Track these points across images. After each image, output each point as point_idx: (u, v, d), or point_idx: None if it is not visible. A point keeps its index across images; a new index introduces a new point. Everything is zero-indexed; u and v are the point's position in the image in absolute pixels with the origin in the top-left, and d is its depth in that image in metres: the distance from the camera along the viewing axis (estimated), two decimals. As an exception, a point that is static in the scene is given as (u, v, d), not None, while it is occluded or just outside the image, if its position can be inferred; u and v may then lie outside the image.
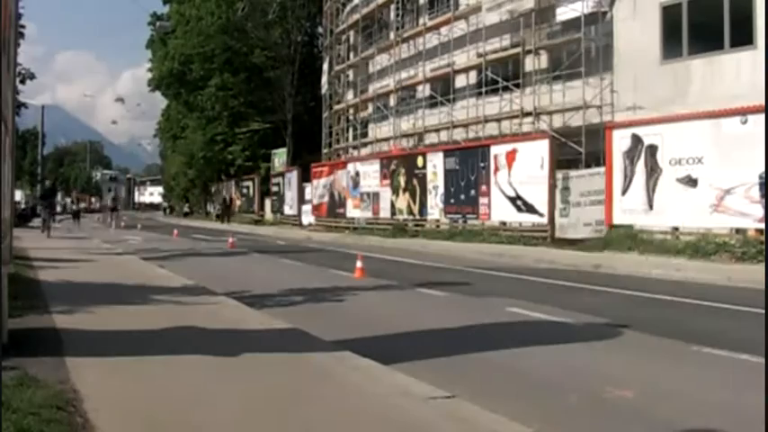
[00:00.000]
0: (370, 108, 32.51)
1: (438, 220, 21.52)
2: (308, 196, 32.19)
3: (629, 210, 14.78)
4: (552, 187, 16.72)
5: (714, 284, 10.02)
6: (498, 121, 22.75)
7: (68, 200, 59.94)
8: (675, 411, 4.09)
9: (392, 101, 29.58)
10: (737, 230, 13.11)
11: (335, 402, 3.85)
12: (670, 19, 16.77)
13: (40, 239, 18.63)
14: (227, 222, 36.98)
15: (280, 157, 41.04)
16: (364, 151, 31.82)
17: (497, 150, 18.76)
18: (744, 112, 12.54)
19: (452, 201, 20.66)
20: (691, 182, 13.50)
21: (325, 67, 36.96)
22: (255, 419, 3.53)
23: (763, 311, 6.38)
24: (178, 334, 5.70)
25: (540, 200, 17.04)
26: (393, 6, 29.28)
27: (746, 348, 5.36)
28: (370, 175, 25.70)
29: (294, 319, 6.52)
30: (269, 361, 4.78)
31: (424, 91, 27.42)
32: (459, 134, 24.56)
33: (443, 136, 25.48)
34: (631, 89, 17.86)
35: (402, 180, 23.35)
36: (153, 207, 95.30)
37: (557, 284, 10.32)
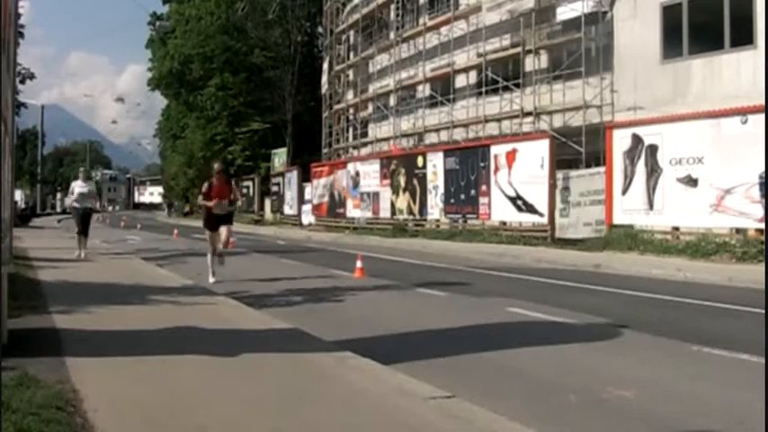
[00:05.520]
0: (370, 108, 32.52)
1: (438, 220, 21.51)
2: (307, 196, 32.16)
3: (629, 210, 14.78)
4: (552, 187, 16.71)
5: (714, 284, 10.02)
6: (498, 120, 22.76)
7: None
8: (675, 411, 4.09)
9: (392, 101, 29.58)
10: (737, 230, 13.11)
11: (335, 402, 3.84)
12: (670, 19, 16.76)
13: (39, 239, 18.62)
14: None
15: (280, 156, 41.03)
16: (364, 151, 31.82)
17: (497, 150, 18.75)
18: (744, 112, 12.54)
19: (452, 200, 20.66)
20: (691, 182, 13.50)
21: (326, 66, 36.98)
22: (255, 419, 3.52)
23: (763, 311, 6.37)
24: (178, 334, 5.70)
25: (540, 200, 17.03)
26: (393, 6, 29.29)
27: (746, 348, 5.36)
28: (370, 174, 25.69)
29: (294, 319, 6.52)
30: (269, 361, 4.77)
31: (424, 91, 27.42)
32: (459, 134, 24.57)
33: (443, 136, 25.49)
34: (631, 89, 17.85)
35: (402, 180, 23.34)
36: (153, 207, 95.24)
37: (557, 284, 10.31)
